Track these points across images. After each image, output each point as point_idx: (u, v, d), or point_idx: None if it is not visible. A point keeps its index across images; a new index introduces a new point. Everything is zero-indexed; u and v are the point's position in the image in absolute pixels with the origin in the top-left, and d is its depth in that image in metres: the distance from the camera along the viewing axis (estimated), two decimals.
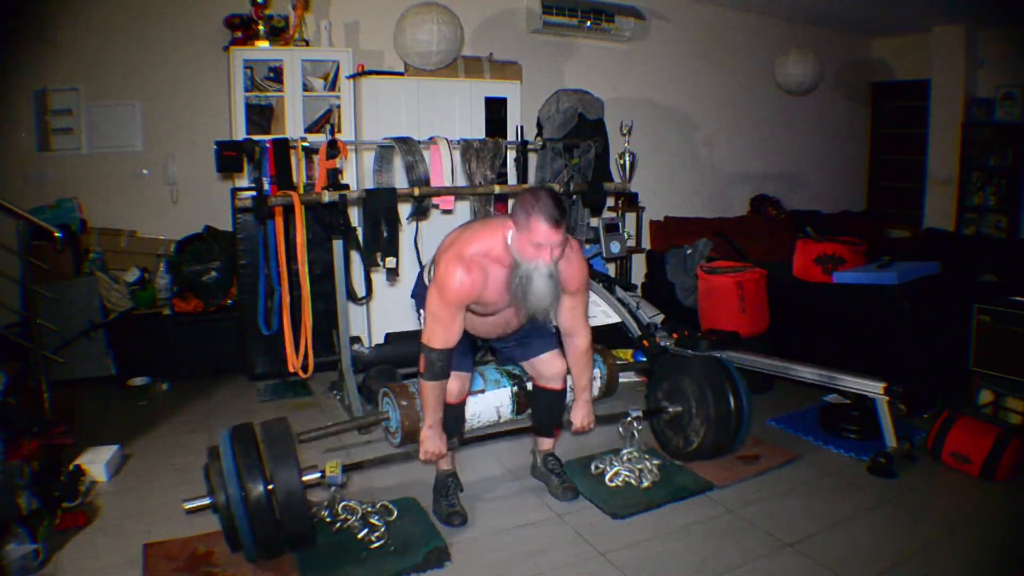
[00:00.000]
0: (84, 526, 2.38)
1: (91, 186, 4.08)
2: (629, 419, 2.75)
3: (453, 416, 2.49)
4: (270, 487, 2.00)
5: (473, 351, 2.62)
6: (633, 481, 2.68)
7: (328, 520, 2.33)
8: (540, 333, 2.56)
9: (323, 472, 2.21)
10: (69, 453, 2.79)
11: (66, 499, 2.45)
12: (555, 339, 2.58)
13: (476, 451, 3.05)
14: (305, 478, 2.10)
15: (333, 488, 2.29)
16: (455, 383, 2.43)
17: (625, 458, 2.76)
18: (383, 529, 2.30)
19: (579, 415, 2.55)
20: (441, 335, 2.21)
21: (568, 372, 2.58)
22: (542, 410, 2.68)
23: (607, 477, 2.71)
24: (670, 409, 2.86)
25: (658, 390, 2.97)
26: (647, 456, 2.80)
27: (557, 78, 5.08)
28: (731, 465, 2.85)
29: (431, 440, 2.33)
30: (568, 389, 2.65)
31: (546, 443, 2.73)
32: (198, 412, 3.48)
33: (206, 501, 2.07)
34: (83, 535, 2.34)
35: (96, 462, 2.73)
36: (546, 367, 2.57)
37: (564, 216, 2.12)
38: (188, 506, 2.09)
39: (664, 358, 3.22)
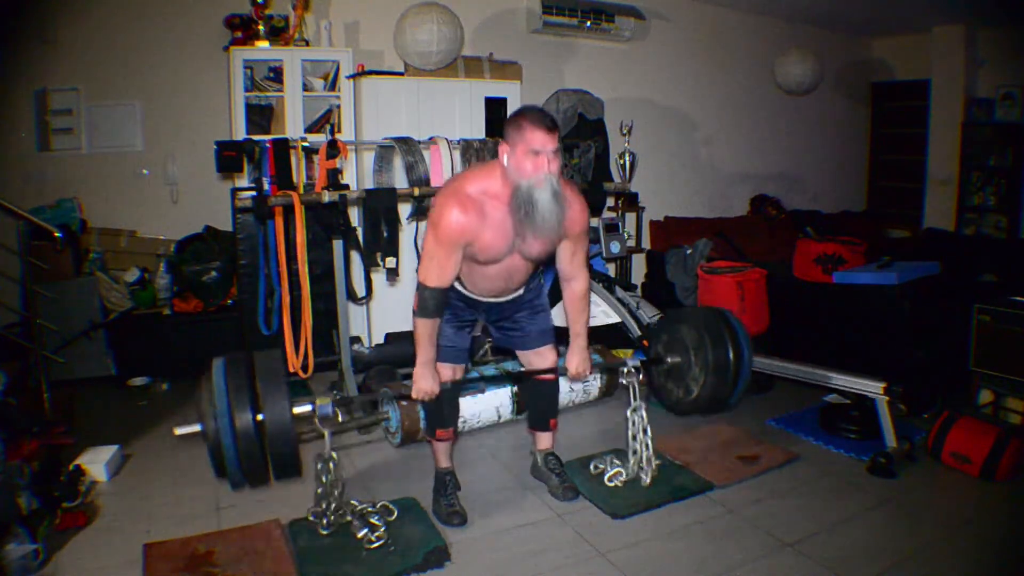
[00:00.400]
0: (84, 526, 2.38)
1: (91, 186, 4.08)
2: (628, 368, 2.70)
3: (447, 399, 2.49)
4: (259, 417, 1.98)
5: (470, 344, 2.61)
6: (634, 478, 2.69)
7: (328, 518, 2.33)
8: (539, 324, 2.55)
9: (314, 404, 2.18)
10: (69, 453, 2.79)
11: (66, 499, 2.45)
12: (552, 334, 2.58)
13: (476, 451, 3.05)
14: (296, 409, 2.07)
15: (328, 433, 2.23)
16: (447, 371, 2.45)
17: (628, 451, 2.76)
18: (383, 529, 2.30)
19: (575, 361, 2.52)
20: (436, 273, 2.21)
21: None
22: (535, 401, 2.70)
23: (607, 477, 2.71)
24: (669, 360, 2.81)
25: (658, 343, 2.92)
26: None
27: (557, 78, 5.08)
28: (731, 465, 2.85)
29: (423, 378, 2.30)
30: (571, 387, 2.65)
31: (545, 441, 2.74)
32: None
33: (196, 428, 2.03)
34: (83, 535, 2.34)
35: (96, 462, 2.73)
36: (540, 359, 2.59)
37: (556, 124, 2.13)
38: (178, 431, 2.06)
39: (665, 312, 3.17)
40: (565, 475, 2.67)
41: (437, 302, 2.24)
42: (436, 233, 2.16)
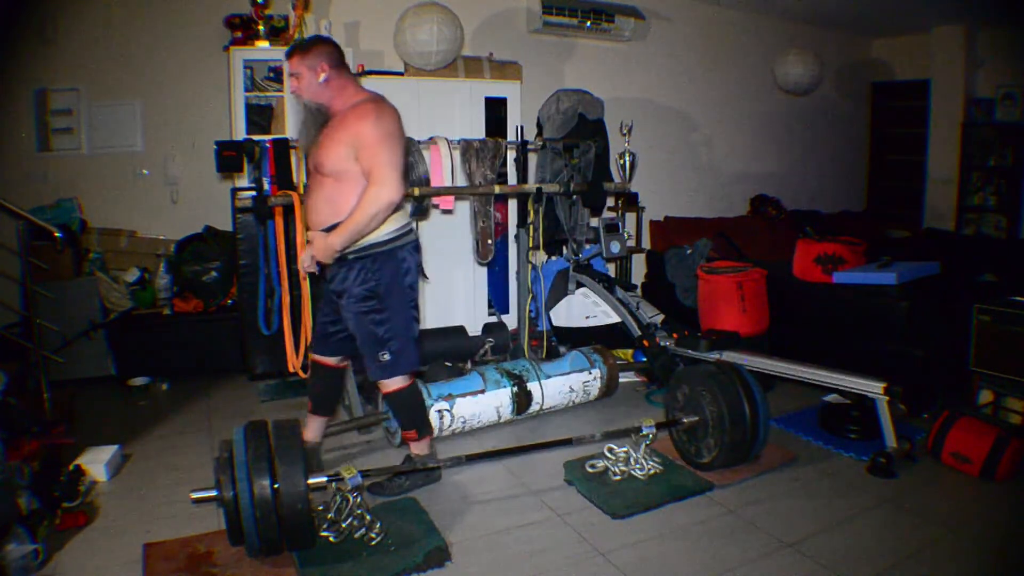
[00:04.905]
0: (84, 526, 2.38)
1: (91, 186, 4.08)
2: (644, 434, 2.71)
3: (313, 382, 2.77)
4: (276, 486, 2.00)
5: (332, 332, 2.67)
6: (636, 473, 2.71)
7: (330, 516, 2.33)
8: (370, 354, 2.52)
9: (328, 476, 2.20)
10: (69, 453, 2.79)
11: (66, 499, 2.45)
12: (391, 368, 2.52)
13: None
14: (310, 480, 2.10)
15: (356, 496, 2.28)
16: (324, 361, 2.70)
17: (623, 455, 2.77)
18: (381, 527, 2.29)
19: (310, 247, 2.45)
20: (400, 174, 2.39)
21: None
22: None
23: (599, 465, 2.73)
24: (685, 420, 2.80)
25: (677, 392, 2.91)
26: (647, 455, 2.79)
27: (557, 78, 5.08)
28: None
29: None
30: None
31: (413, 446, 2.69)
32: (198, 412, 3.48)
33: (212, 493, 2.07)
34: (83, 535, 2.34)
35: (96, 462, 2.73)
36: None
37: (303, 49, 2.37)
38: (195, 496, 2.10)
39: (689, 367, 3.14)
40: (390, 482, 2.62)
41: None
42: (394, 128, 2.31)
